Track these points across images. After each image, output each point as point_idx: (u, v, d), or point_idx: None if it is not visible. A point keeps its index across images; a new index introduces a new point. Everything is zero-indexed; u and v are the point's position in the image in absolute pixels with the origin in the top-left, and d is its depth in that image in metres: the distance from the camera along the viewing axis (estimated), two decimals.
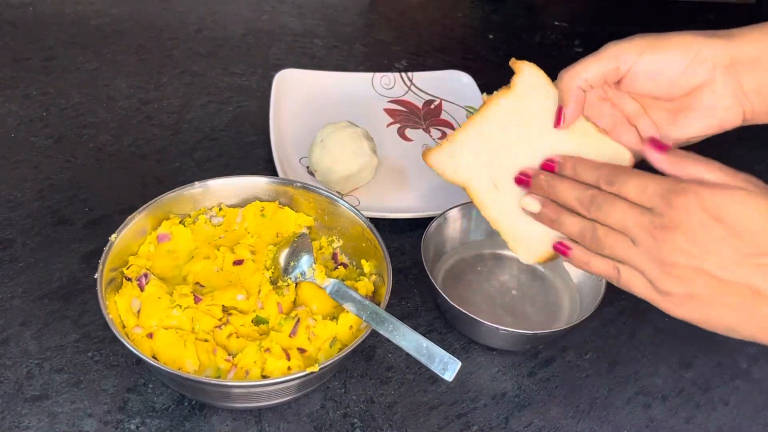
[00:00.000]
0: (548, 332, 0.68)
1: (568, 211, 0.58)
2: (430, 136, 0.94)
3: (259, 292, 0.65)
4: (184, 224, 0.69)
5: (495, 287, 0.75)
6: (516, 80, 0.60)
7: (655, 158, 0.54)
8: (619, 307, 0.76)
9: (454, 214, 0.76)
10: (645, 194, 0.53)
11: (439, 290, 0.68)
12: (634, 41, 0.59)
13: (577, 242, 0.59)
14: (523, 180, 0.61)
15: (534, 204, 0.60)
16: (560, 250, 0.60)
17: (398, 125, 0.96)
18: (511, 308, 0.73)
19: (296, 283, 0.67)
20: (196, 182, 0.70)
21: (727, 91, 0.58)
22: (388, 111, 0.98)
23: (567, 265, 0.76)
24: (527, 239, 0.62)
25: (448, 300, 0.67)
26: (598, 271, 0.58)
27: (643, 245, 0.54)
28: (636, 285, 0.56)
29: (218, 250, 0.68)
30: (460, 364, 0.58)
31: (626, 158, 0.60)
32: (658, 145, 0.54)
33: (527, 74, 0.60)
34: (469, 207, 0.76)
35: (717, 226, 0.50)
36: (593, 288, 0.71)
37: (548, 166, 0.60)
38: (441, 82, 1.02)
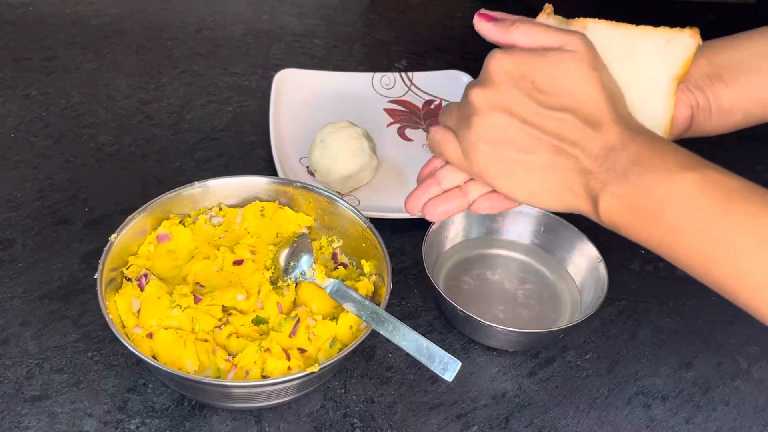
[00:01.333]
0: (548, 331, 0.68)
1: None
2: None
3: (259, 292, 0.65)
4: (184, 224, 0.69)
5: (496, 287, 0.75)
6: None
7: (485, 28, 0.57)
8: (619, 307, 0.76)
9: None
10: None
11: (440, 290, 0.68)
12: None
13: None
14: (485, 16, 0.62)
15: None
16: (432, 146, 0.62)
17: (398, 125, 0.96)
18: (511, 308, 0.73)
19: (296, 283, 0.66)
20: (196, 182, 0.70)
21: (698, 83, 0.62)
22: (388, 111, 0.98)
23: (570, 267, 0.76)
24: None
25: (449, 300, 0.67)
26: (432, 147, 0.61)
27: (461, 104, 0.58)
28: (453, 155, 0.58)
29: (218, 250, 0.68)
30: (460, 364, 0.58)
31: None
32: (487, 16, 0.58)
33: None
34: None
35: (523, 82, 0.54)
36: (595, 287, 0.71)
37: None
38: (441, 82, 1.02)
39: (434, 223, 0.73)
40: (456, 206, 0.60)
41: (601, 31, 0.62)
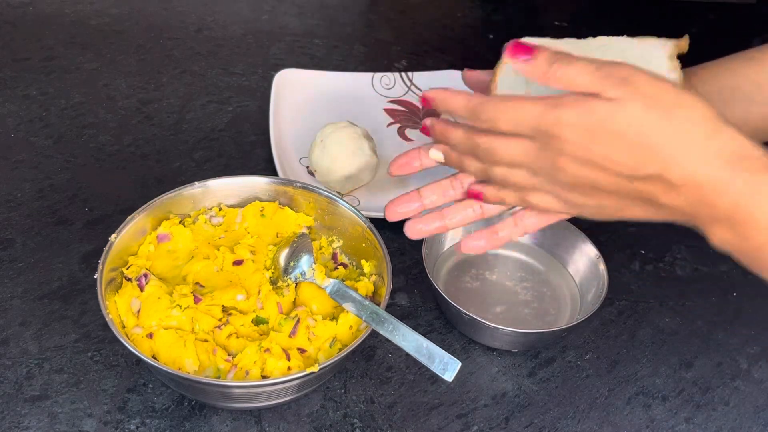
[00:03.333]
0: (548, 331, 0.68)
1: (468, 154, 0.58)
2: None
3: (259, 292, 0.65)
4: (184, 224, 0.69)
5: (495, 287, 0.75)
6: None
7: (523, 69, 0.53)
8: (619, 307, 0.76)
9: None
10: (520, 127, 0.53)
11: (440, 290, 0.68)
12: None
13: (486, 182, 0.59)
14: (424, 129, 0.61)
15: (437, 154, 0.60)
16: (474, 196, 0.60)
17: (398, 125, 0.96)
18: (511, 308, 0.73)
19: (296, 283, 0.66)
20: (195, 182, 0.70)
21: None
22: (388, 111, 0.98)
23: (570, 267, 0.76)
24: None
25: (448, 300, 0.67)
26: (514, 202, 0.59)
27: (542, 172, 0.54)
28: (551, 205, 0.57)
29: (218, 250, 0.68)
30: (460, 364, 0.58)
31: None
32: (522, 49, 0.53)
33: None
34: None
35: (597, 145, 0.50)
36: (595, 287, 0.71)
37: (425, 102, 0.58)
38: (441, 82, 1.02)
39: None
40: (436, 228, 0.62)
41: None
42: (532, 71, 0.53)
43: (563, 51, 0.52)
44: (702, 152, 0.48)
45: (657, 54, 0.57)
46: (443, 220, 0.61)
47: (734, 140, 0.49)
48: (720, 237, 0.51)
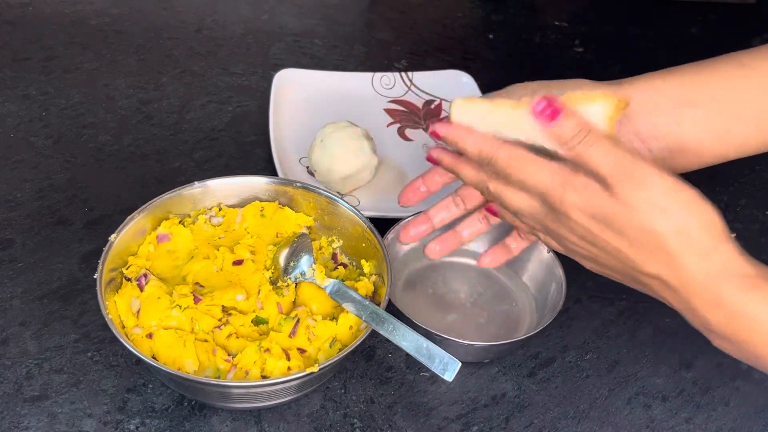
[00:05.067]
0: (497, 344, 0.66)
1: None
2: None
3: (258, 292, 0.65)
4: (183, 224, 0.69)
5: (452, 297, 0.73)
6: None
7: (548, 131, 0.53)
8: (619, 307, 0.76)
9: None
10: (530, 189, 0.54)
11: (398, 306, 0.66)
12: (530, 85, 0.59)
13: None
14: (432, 160, 0.61)
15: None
16: (490, 210, 0.63)
17: (398, 125, 0.96)
18: (471, 318, 0.71)
19: (296, 283, 0.66)
20: (195, 182, 0.70)
21: (625, 137, 0.59)
22: (388, 111, 0.98)
23: (525, 277, 0.75)
24: None
25: (405, 314, 0.65)
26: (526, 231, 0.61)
27: (548, 230, 0.56)
28: (550, 244, 0.59)
29: (218, 250, 0.68)
30: (460, 364, 0.58)
31: None
32: (551, 108, 0.52)
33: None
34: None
35: (601, 230, 0.52)
36: (552, 296, 0.70)
37: (434, 135, 0.59)
38: (441, 82, 1.02)
39: (389, 234, 0.71)
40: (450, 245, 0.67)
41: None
42: (555, 134, 0.52)
43: (587, 123, 0.52)
44: (700, 264, 0.49)
45: (596, 115, 0.56)
46: (458, 238, 0.67)
47: (731, 255, 0.50)
48: (718, 343, 0.53)
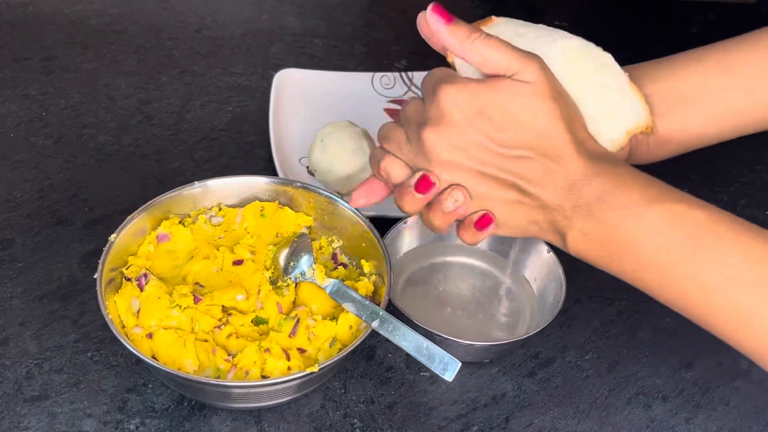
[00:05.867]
0: (497, 344, 0.66)
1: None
2: None
3: (258, 292, 0.65)
4: (183, 224, 0.69)
5: (452, 296, 0.73)
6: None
7: (437, 28, 0.55)
8: (619, 307, 0.76)
9: (411, 222, 0.74)
10: (424, 84, 0.56)
11: (398, 306, 0.66)
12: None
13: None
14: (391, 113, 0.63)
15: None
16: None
17: None
18: (471, 318, 0.71)
19: (296, 283, 0.66)
20: (195, 182, 0.70)
21: None
22: (388, 111, 0.98)
23: (525, 277, 0.74)
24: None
25: (408, 316, 0.65)
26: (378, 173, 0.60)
27: (413, 141, 0.56)
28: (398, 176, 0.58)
29: (218, 250, 0.68)
30: (460, 364, 0.58)
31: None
32: (445, 14, 0.54)
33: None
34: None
35: (479, 121, 0.52)
36: (552, 296, 0.70)
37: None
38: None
39: (389, 233, 0.72)
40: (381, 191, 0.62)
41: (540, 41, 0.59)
42: (450, 38, 0.54)
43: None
44: (578, 147, 0.52)
45: (618, 123, 0.59)
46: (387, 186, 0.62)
47: (594, 143, 0.54)
48: (580, 230, 0.53)
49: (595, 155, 0.53)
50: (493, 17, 0.60)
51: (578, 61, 0.58)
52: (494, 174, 0.54)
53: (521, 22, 0.61)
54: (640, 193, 0.51)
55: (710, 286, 0.50)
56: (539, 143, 0.52)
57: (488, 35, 0.53)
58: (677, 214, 0.50)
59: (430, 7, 0.54)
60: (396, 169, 0.57)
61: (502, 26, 0.60)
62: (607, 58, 0.59)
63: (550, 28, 0.60)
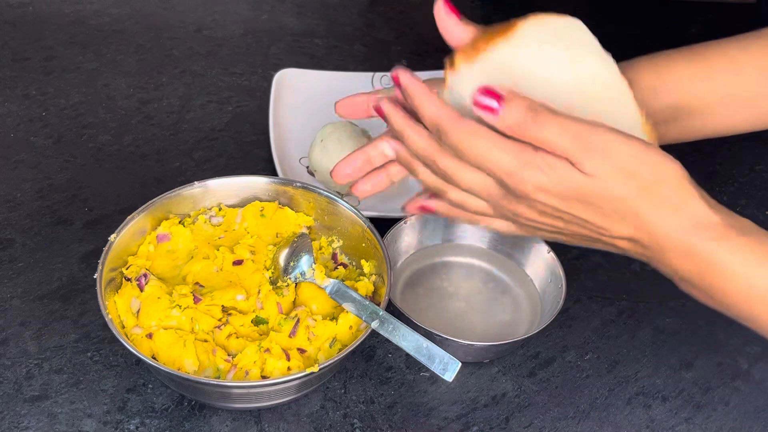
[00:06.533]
0: (497, 344, 0.66)
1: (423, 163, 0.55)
2: None
3: (258, 292, 0.65)
4: (183, 224, 0.69)
5: (453, 296, 0.73)
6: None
7: (492, 120, 0.49)
8: (619, 307, 0.76)
9: (411, 222, 0.75)
10: (487, 170, 0.51)
11: (398, 306, 0.66)
12: None
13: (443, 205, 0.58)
14: (379, 111, 0.56)
15: (388, 148, 0.58)
16: (426, 210, 0.59)
17: None
18: (472, 318, 0.71)
19: (296, 283, 0.66)
20: (195, 182, 0.70)
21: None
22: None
23: (525, 277, 0.74)
24: None
25: (407, 315, 0.65)
26: (466, 221, 0.59)
27: (500, 209, 0.54)
28: (504, 229, 0.57)
29: (218, 250, 0.68)
30: (460, 364, 0.58)
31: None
32: (490, 94, 0.49)
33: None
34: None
35: (567, 207, 0.51)
36: (552, 296, 0.70)
37: (396, 81, 0.53)
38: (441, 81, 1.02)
39: (389, 232, 0.71)
40: (382, 183, 0.61)
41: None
42: (499, 122, 0.49)
43: (537, 102, 0.49)
44: (670, 221, 0.50)
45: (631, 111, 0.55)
46: (389, 176, 0.61)
47: (699, 208, 0.50)
48: (685, 288, 0.54)
49: (692, 225, 0.50)
50: (518, 23, 0.52)
51: (593, 84, 0.54)
52: (590, 238, 0.54)
53: (550, 28, 0.53)
54: (742, 281, 0.50)
55: None
56: (624, 225, 0.51)
57: (546, 116, 0.48)
58: None
59: (481, 89, 0.49)
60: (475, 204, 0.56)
61: (526, 39, 0.52)
62: (613, 80, 0.55)
63: (583, 41, 0.54)
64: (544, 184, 0.49)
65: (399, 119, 0.55)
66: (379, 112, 0.56)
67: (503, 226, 0.57)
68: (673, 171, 0.50)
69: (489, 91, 0.49)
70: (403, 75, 0.53)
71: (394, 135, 0.57)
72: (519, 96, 0.49)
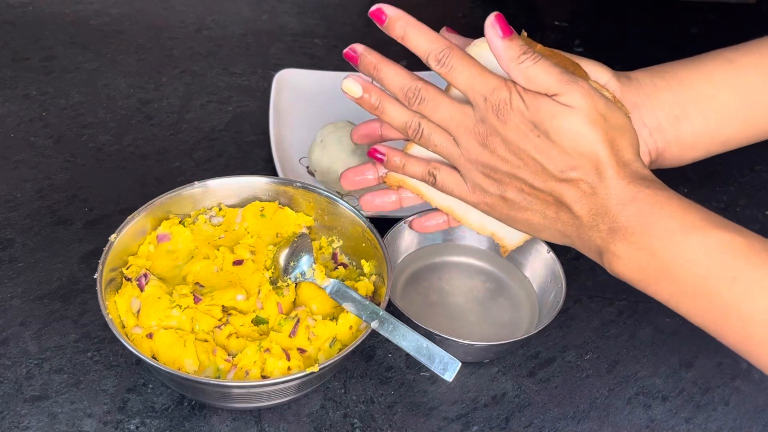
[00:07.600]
0: (497, 344, 0.66)
1: (393, 99, 0.58)
2: None
3: (258, 292, 0.65)
4: (183, 224, 0.69)
5: (452, 296, 0.73)
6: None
7: (496, 45, 0.54)
8: (619, 307, 0.76)
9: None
10: (471, 90, 0.54)
11: (398, 305, 0.66)
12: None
13: (390, 148, 0.60)
14: (350, 56, 0.58)
15: (355, 87, 0.58)
16: (374, 157, 0.61)
17: None
18: (472, 318, 0.71)
19: (296, 283, 0.66)
20: (195, 182, 0.70)
21: (635, 127, 0.60)
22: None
23: (525, 277, 0.74)
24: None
25: (408, 316, 0.65)
26: (413, 174, 0.60)
27: (465, 146, 0.56)
28: (451, 185, 0.59)
29: (218, 250, 0.68)
30: (460, 364, 0.58)
31: None
32: (504, 27, 0.54)
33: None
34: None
35: (535, 137, 0.53)
36: (552, 296, 0.70)
37: (378, 17, 0.58)
38: (441, 81, 1.02)
39: (389, 232, 0.72)
40: (390, 204, 0.65)
41: None
42: (502, 51, 0.53)
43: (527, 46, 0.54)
44: (622, 168, 0.53)
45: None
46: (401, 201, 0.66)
47: (643, 169, 0.54)
48: (615, 252, 0.53)
49: (638, 177, 0.53)
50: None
51: None
52: (537, 194, 0.55)
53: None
54: (679, 220, 0.51)
55: (749, 318, 0.49)
56: (580, 165, 0.53)
57: (539, 57, 0.53)
58: (716, 243, 0.50)
59: (492, 15, 0.54)
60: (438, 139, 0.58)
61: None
62: None
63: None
64: (522, 106, 0.53)
65: (374, 56, 0.58)
66: (350, 57, 0.59)
67: (453, 181, 0.58)
68: (633, 131, 0.54)
69: (502, 18, 0.54)
70: (388, 9, 0.59)
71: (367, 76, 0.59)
72: (521, 38, 0.54)
